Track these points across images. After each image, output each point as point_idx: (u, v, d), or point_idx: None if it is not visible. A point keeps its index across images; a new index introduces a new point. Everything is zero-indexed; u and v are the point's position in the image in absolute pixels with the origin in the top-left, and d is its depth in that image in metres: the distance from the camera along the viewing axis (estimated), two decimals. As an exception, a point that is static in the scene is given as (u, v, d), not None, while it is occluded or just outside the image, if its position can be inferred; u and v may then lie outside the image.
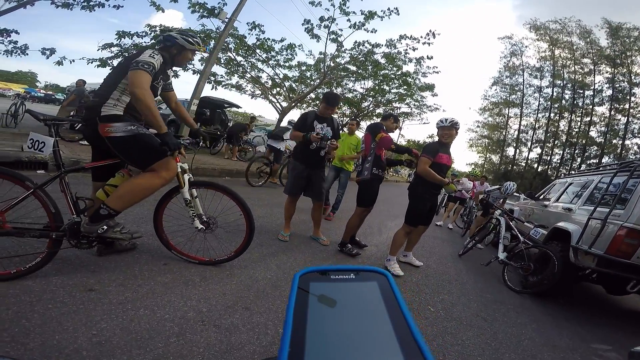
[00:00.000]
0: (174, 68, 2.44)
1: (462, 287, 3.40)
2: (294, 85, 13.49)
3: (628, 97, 24.66)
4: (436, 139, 3.44)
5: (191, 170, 2.24)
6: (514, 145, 30.59)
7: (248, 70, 12.32)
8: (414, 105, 17.50)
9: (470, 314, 2.70)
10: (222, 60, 11.44)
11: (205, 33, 9.94)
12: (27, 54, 7.52)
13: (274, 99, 13.09)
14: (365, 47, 11.08)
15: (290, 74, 13.02)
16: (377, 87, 14.62)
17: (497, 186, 6.23)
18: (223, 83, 12.47)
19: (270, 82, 13.12)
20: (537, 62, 29.09)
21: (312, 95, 13.64)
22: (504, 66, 30.84)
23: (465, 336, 2.29)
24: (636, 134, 24.65)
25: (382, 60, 11.90)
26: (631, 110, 24.54)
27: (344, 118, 18.82)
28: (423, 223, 3.45)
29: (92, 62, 9.32)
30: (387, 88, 14.87)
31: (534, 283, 3.61)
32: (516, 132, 30.48)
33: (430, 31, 10.57)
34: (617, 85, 25.29)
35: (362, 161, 3.59)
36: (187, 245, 2.37)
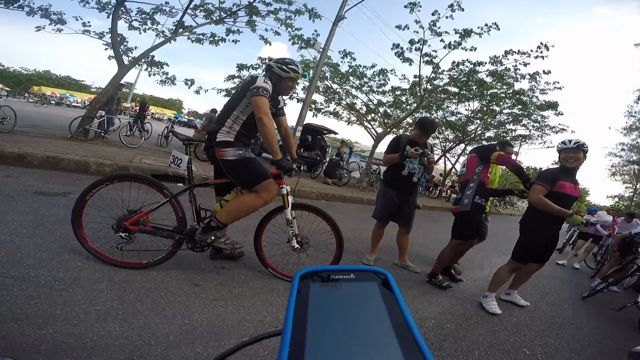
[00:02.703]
0: (282, 97, 2.60)
1: (576, 332, 2.83)
2: (388, 111, 13.51)
3: None
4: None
5: (294, 192, 2.42)
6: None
7: (343, 97, 12.95)
8: (533, 126, 15.30)
9: None
10: (320, 88, 12.35)
11: (305, 63, 10.97)
12: (175, 84, 9.30)
13: (368, 125, 13.35)
14: (466, 67, 10.43)
15: (384, 99, 13.13)
16: (485, 108, 13.44)
17: None
18: (322, 110, 13.40)
19: (364, 108, 13.46)
20: None
21: (409, 119, 13.38)
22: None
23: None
24: None
25: (488, 79, 10.97)
26: None
27: (447, 143, 17.77)
28: (536, 260, 2.94)
29: (220, 92, 11.27)
30: (498, 108, 13.51)
31: None
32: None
33: (541, 43, 9.39)
34: None
35: (461, 188, 3.30)
36: (281, 262, 2.52)
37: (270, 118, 2.17)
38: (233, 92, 11.47)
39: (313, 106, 12.66)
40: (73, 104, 33.37)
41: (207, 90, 10.66)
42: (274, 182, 2.25)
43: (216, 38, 8.77)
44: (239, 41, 9.01)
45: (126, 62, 7.57)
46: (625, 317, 3.46)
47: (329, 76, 11.92)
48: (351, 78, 11.89)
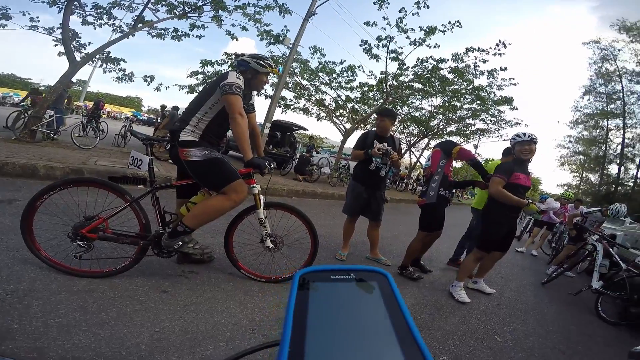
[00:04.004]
0: (254, 92, 2.55)
1: (541, 317, 3.02)
2: (356, 107, 13.69)
3: None
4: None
5: (266, 191, 2.36)
6: (618, 162, 26.00)
7: (313, 93, 12.93)
8: (491, 120, 16.21)
9: (545, 346, 2.40)
10: (289, 84, 12.24)
11: (274, 59, 10.82)
12: (134, 81, 8.84)
13: (337, 121, 13.44)
14: (430, 63, 10.79)
15: (352, 95, 13.29)
16: (446, 104, 14.01)
17: (599, 208, 5.30)
18: (292, 106, 13.30)
19: (333, 104, 13.54)
20: (637, 66, 24.73)
21: (376, 115, 13.55)
22: (595, 73, 26.85)
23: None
24: None
25: (450, 76, 11.44)
26: None
27: (412, 138, 18.32)
28: (498, 249, 3.11)
29: (182, 89, 10.82)
30: (459, 104, 14.14)
31: (637, 314, 3.15)
32: (619, 147, 25.93)
33: (500, 41, 9.91)
34: None
35: (426, 181, 3.41)
36: (254, 263, 2.46)
37: (244, 117, 2.10)
38: (197, 88, 11.10)
39: (282, 102, 12.52)
40: (19, 103, 30.39)
41: (169, 87, 10.18)
42: (244, 182, 2.18)
43: (179, 33, 8.39)
44: (203, 36, 8.67)
45: (78, 59, 7.04)
46: (582, 301, 3.71)
47: (298, 72, 11.83)
48: (320, 74, 11.88)
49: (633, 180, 25.34)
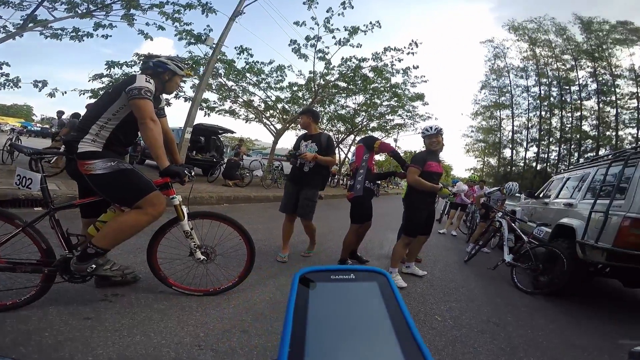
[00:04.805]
0: (164, 95, 2.38)
1: (470, 293, 3.31)
2: (286, 107, 13.65)
3: (613, 89, 25.02)
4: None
5: (189, 200, 2.21)
6: (510, 146, 30.70)
7: (240, 94, 12.49)
8: (407, 116, 17.66)
9: (480, 320, 2.62)
10: (213, 86, 11.62)
11: (194, 59, 10.14)
12: (20, 87, 7.50)
13: (267, 122, 13.22)
14: (353, 63, 11.28)
15: (282, 96, 13.20)
16: (368, 101, 14.80)
17: (498, 187, 6.17)
18: (216, 109, 12.63)
19: (262, 105, 13.28)
20: (521, 62, 29.64)
21: (304, 114, 13.67)
22: (489, 69, 31.36)
23: (477, 343, 2.19)
24: (628, 124, 24.85)
25: (371, 74, 12.11)
26: (618, 102, 24.83)
27: (339, 135, 18.98)
28: (423, 233, 3.39)
29: (84, 94, 9.43)
30: (379, 101, 15.06)
31: (545, 283, 3.52)
32: (510, 134, 30.65)
33: (412, 41, 10.77)
34: (600, 78, 25.72)
35: (353, 175, 3.54)
36: (187, 277, 2.29)
37: (157, 122, 1.91)
38: (101, 92, 9.82)
39: (204, 105, 11.78)
40: None
41: (65, 93, 8.82)
42: (161, 193, 1.99)
43: (80, 33, 7.36)
44: (111, 36, 7.76)
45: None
46: (500, 275, 4.12)
47: (223, 73, 11.27)
48: (248, 75, 11.51)
49: (523, 161, 30.18)
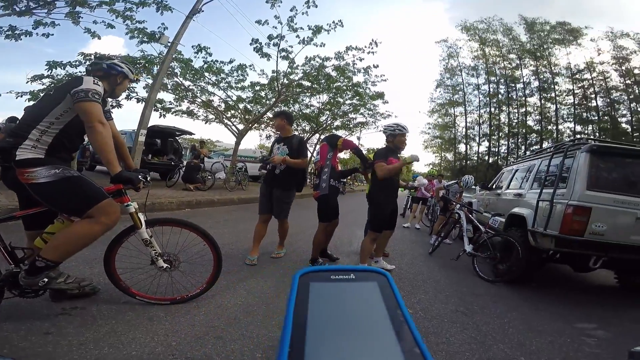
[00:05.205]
0: (109, 98, 2.25)
1: (436, 284, 3.42)
2: (249, 107, 13.36)
3: (552, 87, 27.48)
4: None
5: (145, 207, 2.13)
6: (464, 141, 32.57)
7: (198, 94, 12.02)
8: (368, 114, 18.06)
9: (449, 310, 2.71)
10: (168, 86, 11.08)
11: (147, 59, 9.59)
12: None
13: (229, 122, 12.86)
14: (316, 62, 11.31)
15: (243, 95, 12.89)
16: (332, 100, 14.93)
17: (455, 180, 6.49)
18: (172, 110, 12.04)
19: (223, 105, 12.88)
20: (472, 61, 31.55)
21: (269, 114, 13.53)
22: (444, 68, 33.03)
23: (449, 333, 2.27)
24: (566, 119, 27.45)
25: (334, 73, 12.21)
26: (557, 98, 27.34)
27: (305, 134, 18.96)
28: (388, 228, 3.47)
29: (22, 96, 8.54)
30: (342, 100, 15.24)
31: (504, 271, 3.67)
32: (464, 130, 32.52)
33: (373, 40, 11.05)
34: (542, 76, 28.15)
35: (318, 174, 3.56)
36: (151, 286, 2.18)
37: (106, 125, 1.79)
38: (41, 94, 8.99)
39: (159, 105, 11.17)
40: None
41: (0, 95, 7.93)
42: (114, 201, 1.88)
43: (17, 32, 6.73)
44: (52, 35, 7.16)
45: None
46: (463, 264, 4.24)
47: (179, 72, 10.74)
48: (207, 74, 11.08)
49: (476, 155, 32.17)
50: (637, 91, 23.88)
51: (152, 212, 5.37)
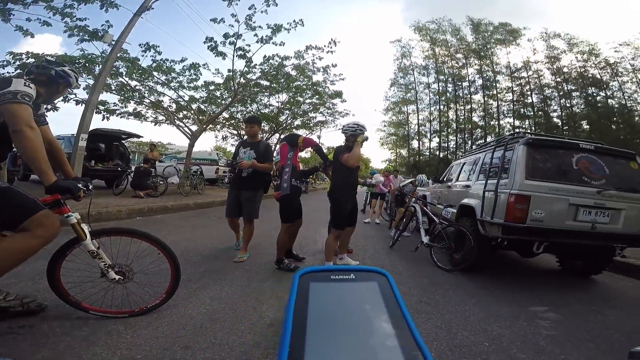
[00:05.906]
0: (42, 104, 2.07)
1: (399, 276, 3.53)
2: (202, 107, 12.81)
3: (494, 84, 29.84)
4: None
5: (89, 217, 2.00)
6: (417, 138, 34.20)
7: (146, 95, 11.29)
8: (327, 113, 18.24)
9: (413, 302, 2.79)
10: (112, 86, 10.28)
11: (87, 58, 8.81)
12: None
13: (181, 123, 12.23)
14: (276, 61, 11.15)
15: (197, 95, 12.32)
16: (292, 100, 14.85)
17: (410, 180, 6.75)
18: (117, 112, 11.18)
19: (174, 106, 12.23)
20: (423, 61, 33.22)
21: (225, 115, 13.11)
22: (397, 68, 34.36)
23: (416, 323, 2.32)
24: (506, 115, 29.95)
25: (293, 72, 12.14)
26: (498, 95, 29.75)
27: (264, 134, 18.65)
28: (349, 224, 3.53)
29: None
30: (301, 99, 15.22)
31: (459, 260, 3.87)
32: (416, 126, 34.13)
33: (332, 40, 11.15)
34: (485, 75, 30.45)
35: (279, 175, 3.53)
36: (105, 299, 2.05)
37: (36, 130, 1.62)
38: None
39: (102, 107, 10.31)
40: None
41: None
42: (51, 212, 1.73)
43: None
44: None
45: None
46: (422, 256, 4.42)
47: (124, 72, 9.98)
48: (155, 73, 10.41)
49: (428, 150, 33.91)
50: (565, 88, 26.69)
51: (100, 222, 4.98)
